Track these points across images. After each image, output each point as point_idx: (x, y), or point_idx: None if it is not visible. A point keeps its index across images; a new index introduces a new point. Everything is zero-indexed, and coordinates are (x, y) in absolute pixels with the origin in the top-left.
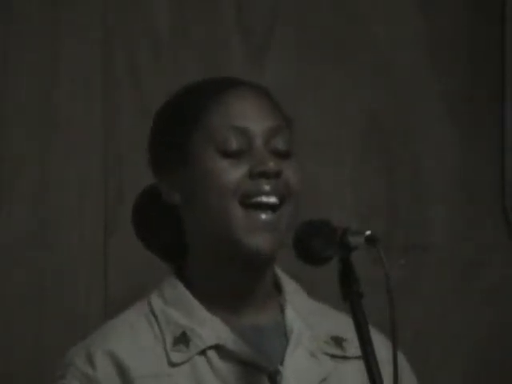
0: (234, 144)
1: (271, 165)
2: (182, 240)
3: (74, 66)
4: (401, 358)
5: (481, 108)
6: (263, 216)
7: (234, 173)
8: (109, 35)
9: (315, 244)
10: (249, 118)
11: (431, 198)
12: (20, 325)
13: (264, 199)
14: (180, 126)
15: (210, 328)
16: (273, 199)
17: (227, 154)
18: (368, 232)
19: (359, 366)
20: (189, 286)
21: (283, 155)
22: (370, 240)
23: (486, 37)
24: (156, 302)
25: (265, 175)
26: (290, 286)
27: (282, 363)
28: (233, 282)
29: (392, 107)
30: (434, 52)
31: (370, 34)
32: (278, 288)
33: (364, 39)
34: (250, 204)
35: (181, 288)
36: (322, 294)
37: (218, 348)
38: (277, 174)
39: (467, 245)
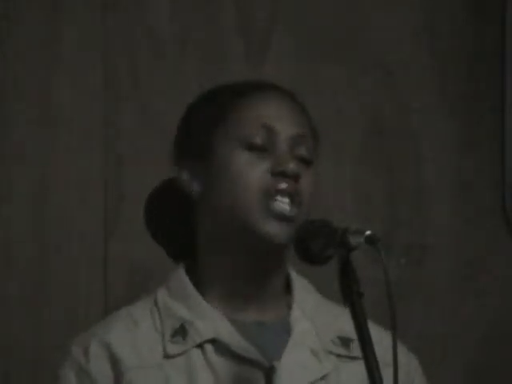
0: (260, 139)
1: (292, 166)
2: (192, 236)
3: (74, 66)
4: (413, 360)
5: (481, 108)
6: (283, 206)
7: (256, 168)
8: (109, 35)
9: (315, 244)
10: (278, 119)
11: (431, 197)
12: (20, 325)
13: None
14: (210, 117)
15: (210, 321)
16: (286, 200)
17: (251, 148)
18: (368, 232)
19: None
20: (197, 280)
21: (305, 162)
22: (370, 240)
23: (486, 37)
24: (161, 294)
25: (285, 174)
26: (300, 285)
27: (279, 360)
28: (243, 274)
29: (392, 107)
30: (433, 51)
31: (370, 34)
32: (289, 287)
33: (364, 39)
34: (270, 198)
35: (186, 281)
36: (322, 293)
37: (214, 342)
38: (296, 176)
39: (467, 245)
